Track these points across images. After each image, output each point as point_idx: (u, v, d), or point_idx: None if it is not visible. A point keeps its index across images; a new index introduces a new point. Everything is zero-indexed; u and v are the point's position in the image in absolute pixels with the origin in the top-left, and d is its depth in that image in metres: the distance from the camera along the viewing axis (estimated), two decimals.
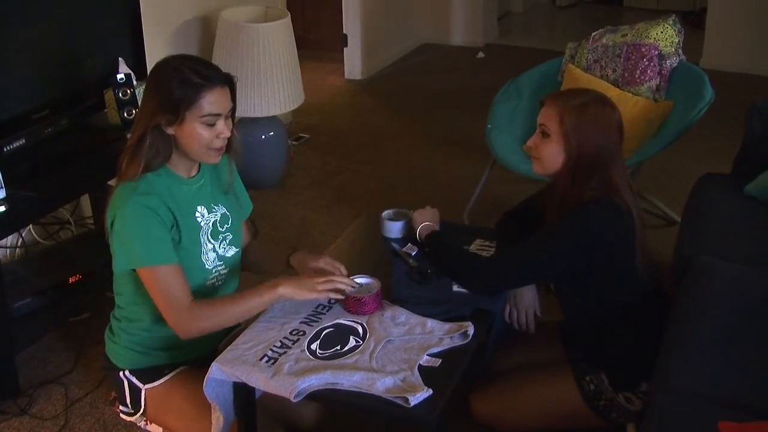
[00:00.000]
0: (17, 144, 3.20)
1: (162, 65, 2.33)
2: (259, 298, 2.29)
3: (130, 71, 3.59)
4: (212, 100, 2.26)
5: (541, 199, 2.63)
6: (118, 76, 3.55)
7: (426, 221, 2.75)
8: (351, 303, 2.38)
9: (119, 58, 3.62)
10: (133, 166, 2.30)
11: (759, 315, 2.37)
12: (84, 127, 3.62)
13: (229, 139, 2.38)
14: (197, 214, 2.41)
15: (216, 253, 2.45)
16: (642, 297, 2.47)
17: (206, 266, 2.43)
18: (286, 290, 2.27)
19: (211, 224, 2.44)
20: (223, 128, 2.30)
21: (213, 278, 2.46)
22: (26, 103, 3.31)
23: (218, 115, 2.28)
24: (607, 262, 2.39)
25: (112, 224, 2.30)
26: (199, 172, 2.45)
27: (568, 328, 2.64)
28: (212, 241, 2.44)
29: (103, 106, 3.67)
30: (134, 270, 2.30)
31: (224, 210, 2.49)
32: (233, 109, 2.37)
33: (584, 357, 2.53)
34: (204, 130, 2.28)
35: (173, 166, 2.37)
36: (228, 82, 2.32)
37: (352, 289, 2.38)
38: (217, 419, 2.23)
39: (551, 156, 2.42)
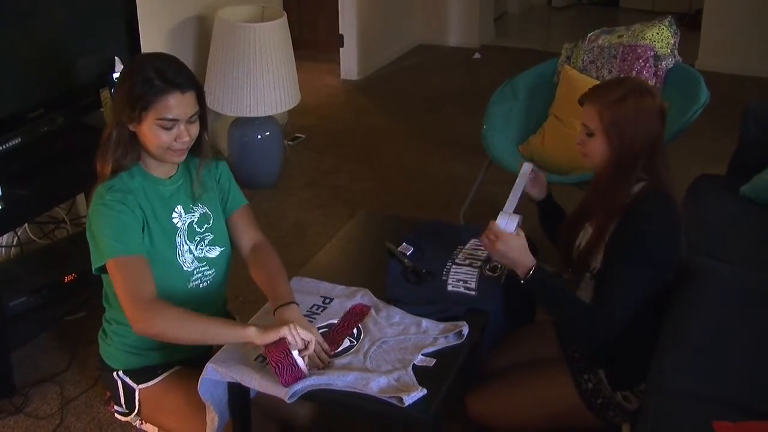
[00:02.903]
0: (13, 143, 3.20)
1: (133, 61, 2.34)
2: (227, 330, 2.17)
3: None
4: (170, 105, 2.22)
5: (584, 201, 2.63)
6: (114, 76, 3.55)
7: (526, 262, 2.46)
8: (285, 368, 2.09)
9: (115, 57, 3.62)
10: (105, 164, 2.31)
11: (753, 315, 2.38)
12: (79, 126, 3.62)
13: (199, 141, 2.37)
14: (174, 215, 2.39)
15: (193, 254, 2.42)
16: (662, 295, 2.48)
17: (184, 268, 2.40)
18: (256, 335, 2.11)
19: (187, 225, 2.41)
20: (182, 133, 2.26)
21: (196, 279, 2.43)
22: (22, 101, 3.31)
23: (174, 120, 2.24)
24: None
25: (88, 228, 2.30)
26: (177, 172, 2.43)
27: None
28: (188, 242, 2.41)
29: (98, 106, 3.67)
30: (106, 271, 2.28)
31: (205, 209, 2.46)
32: (202, 114, 2.33)
33: (583, 355, 2.53)
34: (161, 132, 2.25)
35: (147, 166, 2.36)
36: (193, 87, 2.27)
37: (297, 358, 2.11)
38: (212, 419, 2.23)
39: (598, 152, 2.42)
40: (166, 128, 2.25)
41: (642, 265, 2.33)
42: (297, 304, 2.30)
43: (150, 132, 2.25)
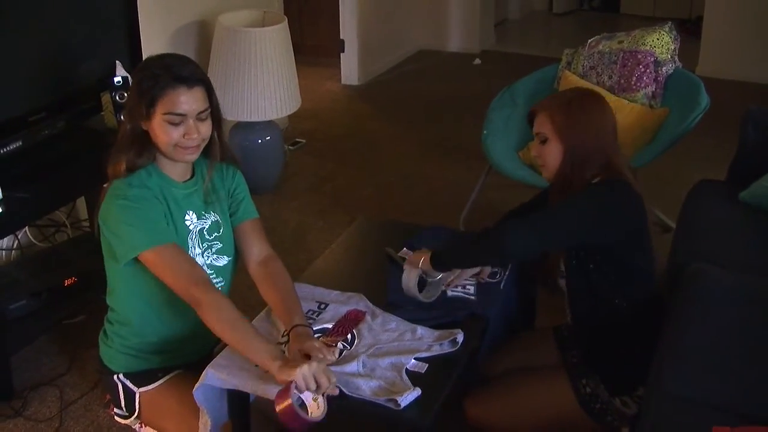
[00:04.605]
0: (14, 146, 3.20)
1: (145, 60, 2.34)
2: (258, 352, 2.11)
3: (127, 74, 3.59)
4: (177, 100, 2.23)
5: (544, 198, 2.67)
6: (115, 79, 3.56)
7: (418, 265, 2.54)
8: (288, 414, 1.99)
9: (116, 62, 3.63)
10: (118, 164, 2.31)
11: (752, 321, 2.38)
12: (80, 129, 3.62)
13: (211, 140, 2.38)
14: (186, 218, 2.40)
15: (202, 259, 2.43)
16: (648, 296, 2.49)
17: None
18: (278, 372, 2.04)
19: (198, 231, 2.42)
20: (191, 129, 2.27)
21: None
22: (23, 105, 3.31)
23: (182, 115, 2.25)
24: (629, 237, 2.43)
25: (104, 222, 2.30)
26: (192, 177, 2.44)
27: (574, 329, 2.62)
28: (198, 246, 2.42)
29: (99, 109, 3.68)
30: (134, 263, 2.27)
31: (216, 218, 2.46)
32: (213, 112, 2.33)
33: (581, 360, 2.54)
34: (170, 129, 2.25)
35: (163, 166, 2.37)
36: (200, 83, 2.28)
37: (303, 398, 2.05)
38: (205, 423, 2.22)
39: (553, 157, 2.47)
40: (174, 123, 2.25)
41: (574, 201, 2.40)
42: (311, 327, 2.30)
43: (159, 128, 2.26)
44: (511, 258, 2.60)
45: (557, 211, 2.42)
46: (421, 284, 2.52)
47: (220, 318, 2.19)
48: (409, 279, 2.49)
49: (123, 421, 2.54)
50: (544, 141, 2.48)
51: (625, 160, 2.52)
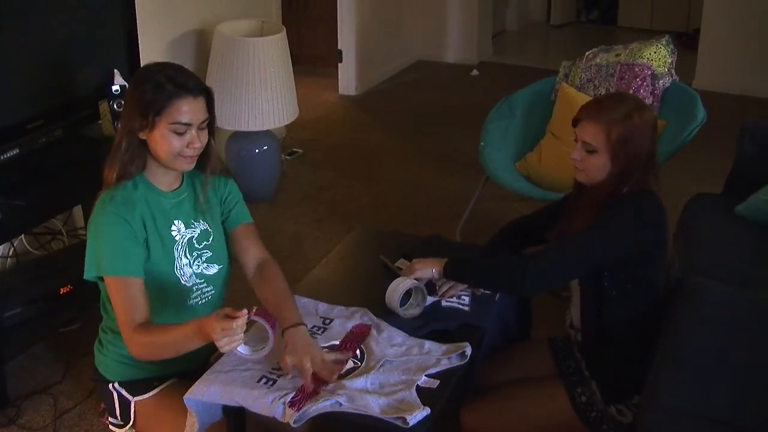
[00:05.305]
0: (11, 153, 3.20)
1: (142, 70, 2.34)
2: (191, 342, 2.17)
3: (125, 83, 3.59)
4: (183, 109, 2.24)
5: (551, 213, 2.66)
6: (113, 88, 3.56)
7: (424, 273, 2.56)
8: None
9: (114, 70, 3.63)
10: (111, 171, 2.31)
11: (748, 335, 2.38)
12: (78, 137, 3.63)
13: (207, 151, 2.37)
14: (173, 228, 2.40)
15: (191, 268, 2.42)
16: (652, 308, 2.48)
17: (182, 282, 2.40)
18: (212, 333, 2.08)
19: (186, 240, 2.42)
20: (194, 138, 2.28)
21: (196, 297, 2.44)
22: (21, 112, 3.31)
23: (188, 124, 2.25)
24: (652, 248, 2.44)
25: (88, 234, 2.31)
26: (180, 186, 2.44)
27: (581, 333, 2.60)
28: (186, 256, 2.41)
29: (97, 117, 3.68)
30: (102, 279, 2.30)
31: (206, 226, 2.46)
32: (210, 121, 2.34)
33: (577, 370, 2.54)
34: (173, 138, 2.25)
35: (152, 176, 2.37)
36: (203, 93, 2.29)
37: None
38: (192, 425, 2.22)
39: (599, 168, 2.42)
40: (179, 133, 2.25)
41: (596, 236, 2.37)
42: (305, 325, 2.30)
43: (162, 138, 2.26)
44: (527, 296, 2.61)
45: (583, 244, 2.38)
46: (404, 300, 2.52)
47: (148, 354, 2.29)
48: (396, 290, 2.48)
49: (118, 430, 2.53)
50: (591, 151, 2.42)
51: (657, 173, 2.50)
